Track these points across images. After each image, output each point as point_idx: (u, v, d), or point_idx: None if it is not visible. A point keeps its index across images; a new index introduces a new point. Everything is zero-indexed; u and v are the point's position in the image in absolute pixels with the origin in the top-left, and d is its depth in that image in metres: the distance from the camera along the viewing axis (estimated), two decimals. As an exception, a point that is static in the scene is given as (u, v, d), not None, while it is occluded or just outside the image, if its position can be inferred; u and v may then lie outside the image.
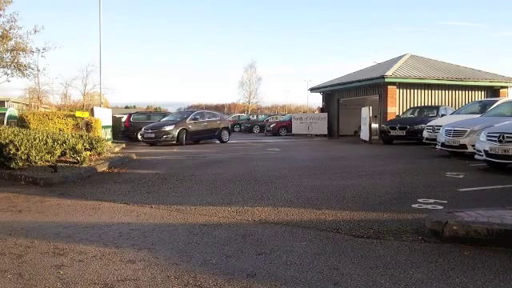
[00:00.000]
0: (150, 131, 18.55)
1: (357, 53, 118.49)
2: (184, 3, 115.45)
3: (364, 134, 19.53)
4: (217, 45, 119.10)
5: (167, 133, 18.25)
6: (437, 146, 11.38)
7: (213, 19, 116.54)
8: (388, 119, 19.83)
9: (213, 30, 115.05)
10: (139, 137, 19.39)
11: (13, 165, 7.96)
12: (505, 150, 7.79)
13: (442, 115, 16.53)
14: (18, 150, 7.95)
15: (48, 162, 8.42)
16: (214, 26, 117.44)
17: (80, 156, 9.03)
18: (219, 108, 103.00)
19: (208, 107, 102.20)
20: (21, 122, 14.54)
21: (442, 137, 11.00)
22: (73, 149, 9.07)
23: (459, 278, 3.03)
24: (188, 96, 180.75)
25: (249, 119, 40.89)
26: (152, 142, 18.48)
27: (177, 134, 18.36)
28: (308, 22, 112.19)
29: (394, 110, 21.03)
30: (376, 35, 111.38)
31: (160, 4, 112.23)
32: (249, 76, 66.85)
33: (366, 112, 19.17)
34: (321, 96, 28.89)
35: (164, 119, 20.70)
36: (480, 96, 22.53)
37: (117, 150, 14.43)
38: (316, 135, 26.40)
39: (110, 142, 16.48)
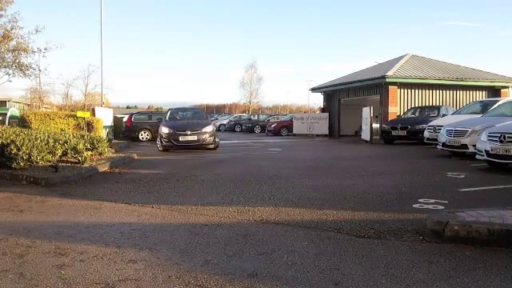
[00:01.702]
0: (189, 133, 14.31)
1: (358, 53, 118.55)
2: (185, 4, 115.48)
3: (365, 134, 19.52)
4: (217, 45, 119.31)
5: (209, 134, 14.72)
6: (438, 146, 11.37)
7: (213, 19, 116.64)
8: (389, 119, 19.83)
9: (213, 30, 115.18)
10: (160, 142, 14.78)
11: (14, 165, 7.96)
12: (506, 150, 7.78)
13: (443, 115, 16.51)
14: (19, 149, 7.96)
15: (49, 161, 8.43)
16: (215, 26, 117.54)
17: (81, 156, 9.04)
18: (220, 108, 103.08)
19: (209, 107, 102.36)
20: (22, 121, 14.57)
21: (443, 137, 10.99)
22: (74, 149, 9.08)
23: (460, 278, 3.03)
24: (189, 96, 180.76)
25: (250, 119, 40.85)
26: (190, 148, 14.62)
27: (214, 136, 15.08)
28: (309, 21, 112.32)
29: (394, 110, 21.02)
30: (377, 35, 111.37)
31: (160, 5, 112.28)
32: (250, 76, 66.75)
33: (367, 112, 19.17)
34: (322, 96, 28.90)
35: (168, 117, 16.53)
36: (481, 96, 22.51)
37: (118, 149, 14.42)
38: (317, 135, 26.39)
39: (111, 142, 16.50)
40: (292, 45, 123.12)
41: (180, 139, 14.24)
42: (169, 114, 16.72)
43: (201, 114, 17.51)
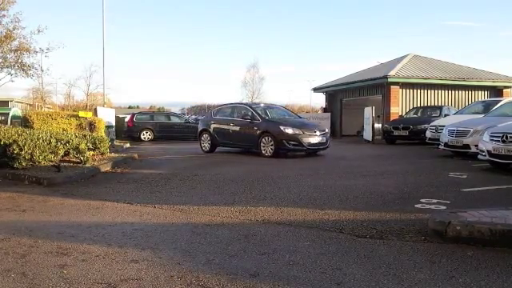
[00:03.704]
0: (318, 134, 12.18)
1: (359, 53, 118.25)
2: (185, 4, 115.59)
3: (367, 134, 19.50)
4: (218, 45, 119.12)
5: (329, 136, 12.97)
6: (440, 146, 11.35)
7: (213, 20, 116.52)
8: (391, 119, 19.81)
9: (214, 30, 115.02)
10: (283, 144, 11.81)
11: (16, 164, 7.98)
12: (508, 150, 7.76)
13: (445, 115, 16.49)
14: (21, 149, 7.97)
15: (51, 161, 8.44)
16: (215, 26, 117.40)
17: (83, 156, 9.05)
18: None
19: (211, 107, 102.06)
20: (24, 121, 14.61)
21: (445, 137, 10.98)
22: (76, 149, 9.09)
23: (462, 278, 3.03)
24: (190, 96, 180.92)
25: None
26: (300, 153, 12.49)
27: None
28: (309, 21, 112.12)
29: (396, 110, 21.00)
30: (379, 35, 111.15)
31: (161, 5, 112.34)
32: (251, 76, 66.30)
33: (368, 112, 19.14)
34: (324, 96, 28.88)
35: (262, 115, 12.89)
36: (483, 96, 22.46)
37: (120, 149, 14.45)
38: (319, 135, 26.33)
39: (113, 142, 16.50)
40: (293, 45, 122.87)
41: (311, 141, 12.02)
42: (255, 110, 13.03)
43: (289, 112, 15.01)
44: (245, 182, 7.45)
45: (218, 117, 14.23)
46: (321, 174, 8.36)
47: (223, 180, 7.70)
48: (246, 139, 12.89)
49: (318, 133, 12.18)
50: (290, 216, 4.95)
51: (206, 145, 14.09)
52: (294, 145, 11.86)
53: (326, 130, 12.76)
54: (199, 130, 14.75)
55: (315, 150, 12.35)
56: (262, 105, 14.15)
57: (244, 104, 13.88)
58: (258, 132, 12.35)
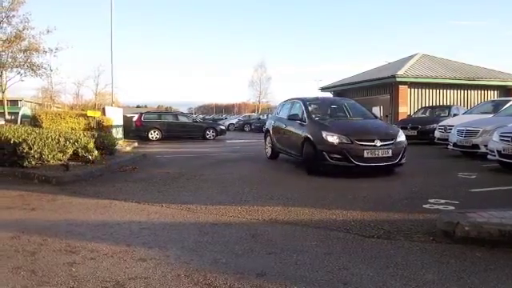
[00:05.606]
0: (379, 144, 8.04)
1: (366, 52, 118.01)
2: (192, 5, 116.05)
3: (375, 134, 19.36)
4: (226, 44, 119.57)
5: (404, 146, 8.72)
6: (449, 146, 11.27)
7: (218, 20, 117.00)
8: (399, 119, 19.72)
9: (221, 29, 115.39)
10: (324, 157, 7.92)
11: (26, 163, 8.06)
12: (518, 151, 7.68)
13: (454, 115, 16.36)
14: (30, 148, 8.05)
15: (60, 160, 8.51)
16: (222, 26, 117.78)
17: (91, 155, 9.10)
18: (229, 107, 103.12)
19: (218, 106, 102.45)
20: (34, 121, 14.71)
21: (453, 137, 10.89)
22: (84, 148, 9.15)
23: (471, 279, 3.00)
24: (198, 96, 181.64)
25: (259, 119, 40.74)
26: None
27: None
28: (318, 21, 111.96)
29: (405, 109, 20.91)
30: (387, 34, 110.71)
31: (168, 6, 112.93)
32: (259, 75, 66.55)
33: (376, 111, 19.02)
34: (331, 95, 28.83)
35: (308, 115, 9.42)
36: (492, 95, 22.29)
37: (128, 149, 14.53)
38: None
39: (121, 141, 16.57)
40: (300, 44, 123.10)
41: (365, 155, 7.90)
42: (307, 107, 9.73)
43: (362, 109, 10.67)
44: (252, 181, 7.45)
45: (279, 115, 11.34)
46: (328, 174, 8.32)
47: (230, 179, 7.69)
48: (292, 146, 9.67)
49: (377, 143, 8.04)
50: (297, 215, 4.94)
51: (268, 150, 11.53)
52: (336, 159, 8.00)
53: (398, 139, 8.50)
54: (265, 130, 12.28)
55: (372, 168, 8.10)
56: (318, 99, 11.14)
57: (298, 99, 10.61)
58: (302, 138, 8.97)
